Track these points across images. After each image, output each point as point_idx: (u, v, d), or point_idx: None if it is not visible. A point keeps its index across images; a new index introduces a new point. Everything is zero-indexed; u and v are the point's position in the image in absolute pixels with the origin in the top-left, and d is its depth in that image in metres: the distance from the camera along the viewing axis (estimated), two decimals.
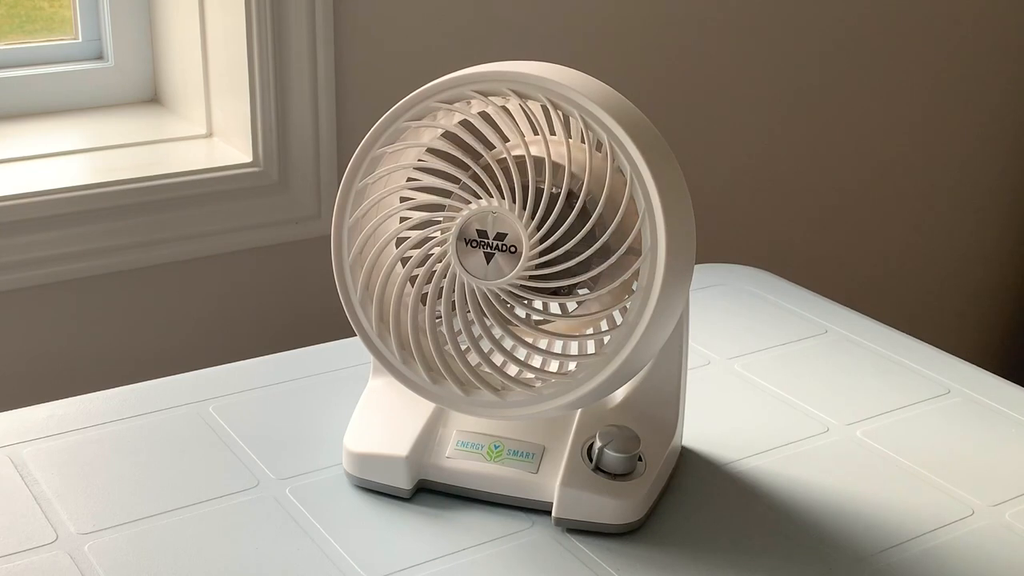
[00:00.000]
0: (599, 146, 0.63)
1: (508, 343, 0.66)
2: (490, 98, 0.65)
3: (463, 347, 0.67)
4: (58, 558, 0.65)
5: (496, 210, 0.63)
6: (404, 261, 0.67)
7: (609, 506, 0.68)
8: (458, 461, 0.71)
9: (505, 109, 0.66)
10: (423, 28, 1.16)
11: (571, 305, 0.68)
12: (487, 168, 0.64)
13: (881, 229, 1.62)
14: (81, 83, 1.19)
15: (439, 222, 0.65)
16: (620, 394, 0.73)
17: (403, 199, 0.67)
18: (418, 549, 0.67)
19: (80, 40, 1.20)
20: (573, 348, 0.68)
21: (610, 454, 0.68)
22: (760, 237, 1.50)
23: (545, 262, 0.63)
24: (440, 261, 0.65)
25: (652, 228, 0.62)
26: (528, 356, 0.68)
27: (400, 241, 0.67)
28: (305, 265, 1.17)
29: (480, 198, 0.64)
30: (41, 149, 1.11)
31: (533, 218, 0.63)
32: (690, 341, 0.81)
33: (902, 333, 0.95)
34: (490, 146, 0.65)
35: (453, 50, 1.19)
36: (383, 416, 0.73)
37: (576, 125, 0.63)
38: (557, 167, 0.64)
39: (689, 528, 0.70)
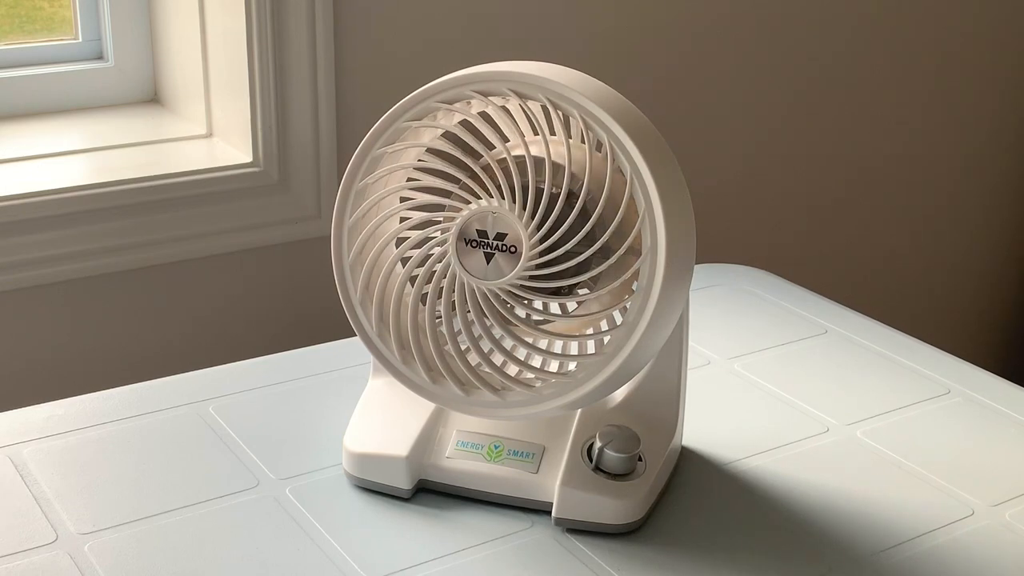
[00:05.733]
0: (599, 146, 0.63)
1: (508, 343, 0.66)
2: (490, 98, 0.65)
3: (463, 347, 0.67)
4: (58, 558, 0.65)
5: (496, 210, 0.63)
6: (404, 261, 0.67)
7: (609, 506, 0.68)
8: (458, 461, 0.71)
9: (505, 109, 0.66)
10: (423, 28, 1.16)
11: (571, 305, 0.68)
12: (487, 168, 0.64)
13: (881, 229, 1.62)
14: (81, 83, 1.19)
15: (439, 222, 0.65)
16: (620, 394, 0.73)
17: (403, 199, 0.67)
18: (418, 549, 0.67)
19: (80, 40, 1.20)
20: (573, 348, 0.68)
21: (610, 454, 0.68)
22: (760, 237, 1.50)
23: (545, 262, 0.63)
24: (440, 261, 0.65)
25: (652, 228, 0.62)
26: (528, 356, 0.68)
27: (400, 241, 0.67)
28: (305, 265, 1.17)
29: (480, 198, 0.64)
30: (41, 149, 1.11)
31: (533, 218, 0.63)
32: (690, 341, 0.81)
33: (902, 333, 0.95)
34: (490, 146, 0.65)
35: (453, 50, 1.19)
36: (383, 416, 0.73)
37: (576, 125, 0.63)
38: (557, 167, 0.64)
39: (689, 528, 0.70)
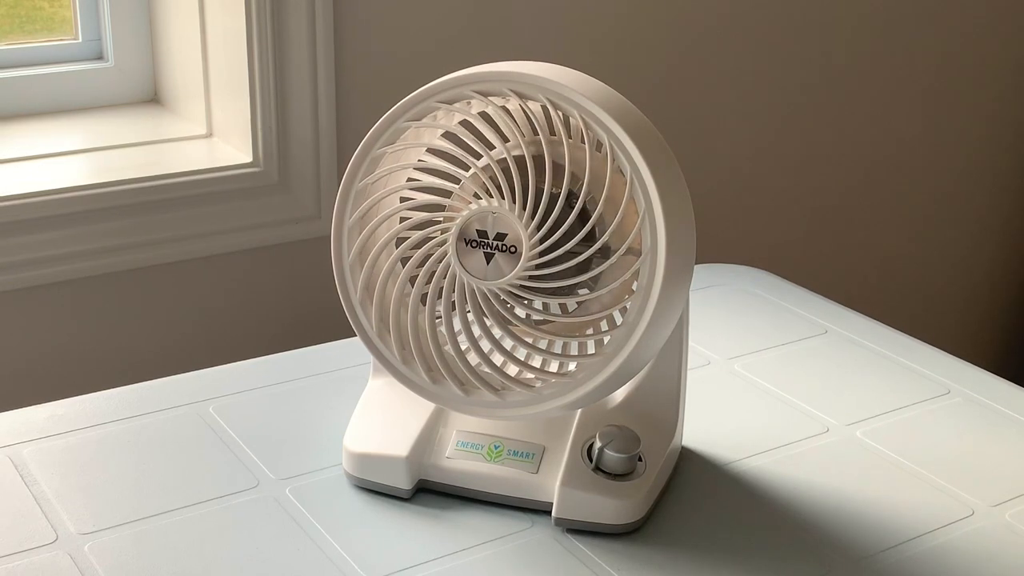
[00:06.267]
0: (599, 146, 0.63)
1: (508, 343, 0.66)
2: (490, 98, 0.65)
3: (463, 347, 0.67)
4: (58, 558, 0.65)
5: (496, 210, 0.63)
6: (404, 261, 0.67)
7: (609, 506, 0.68)
8: (458, 461, 0.71)
9: (505, 109, 0.66)
10: (423, 28, 1.16)
11: (571, 305, 0.68)
12: (487, 168, 0.64)
13: (881, 229, 1.62)
14: (81, 83, 1.19)
15: (439, 222, 0.65)
16: (620, 394, 0.73)
17: (403, 199, 0.67)
18: (418, 549, 0.67)
19: (80, 40, 1.20)
20: (573, 348, 0.68)
21: (610, 454, 0.68)
22: (760, 237, 1.50)
23: (545, 262, 0.63)
24: (440, 261, 0.65)
25: (652, 228, 0.62)
26: (528, 356, 0.68)
27: (400, 241, 0.67)
28: (305, 265, 1.17)
29: (480, 198, 0.64)
30: (41, 149, 1.11)
31: (533, 218, 0.63)
32: (690, 341, 0.81)
33: (902, 333, 0.95)
34: (490, 146, 0.65)
35: (453, 50, 1.19)
36: (383, 416, 0.73)
37: (576, 125, 0.63)
38: (557, 167, 0.64)
39: (689, 528, 0.70)
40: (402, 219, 0.67)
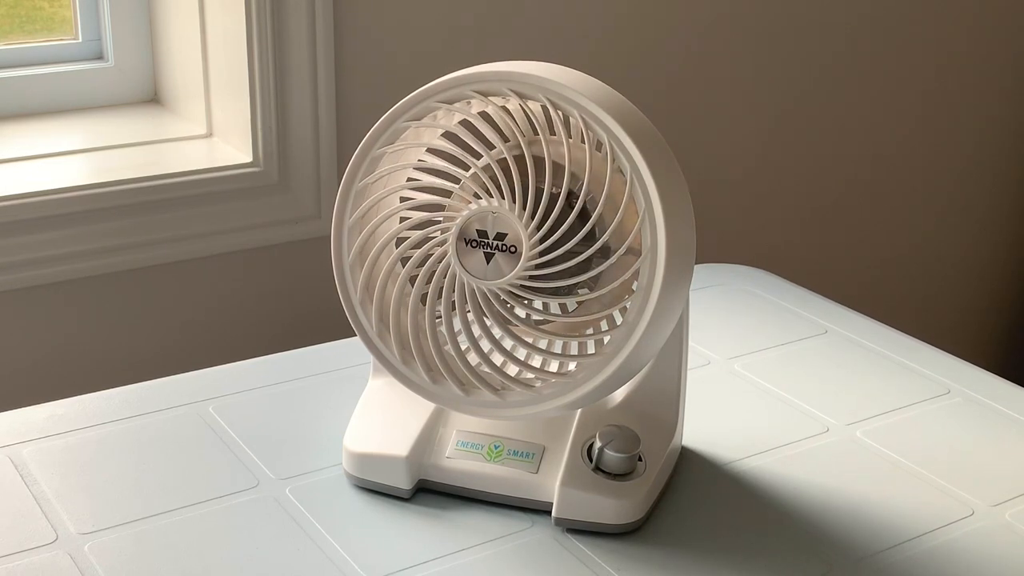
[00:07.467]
0: (599, 146, 0.63)
1: (508, 343, 0.66)
2: (490, 98, 0.65)
3: (463, 347, 0.67)
4: (58, 558, 0.65)
5: (496, 210, 0.63)
6: (404, 261, 0.67)
7: (609, 506, 0.68)
8: (458, 461, 0.71)
9: (505, 109, 0.66)
10: (423, 28, 1.16)
11: (571, 305, 0.68)
12: (487, 168, 0.64)
13: (881, 229, 1.62)
14: (81, 83, 1.19)
15: (439, 222, 0.65)
16: (620, 394, 0.73)
17: (403, 199, 0.67)
18: (418, 549, 0.67)
19: (80, 40, 1.20)
20: (573, 348, 0.68)
21: (610, 454, 0.68)
22: (760, 237, 1.50)
23: (545, 262, 0.63)
24: (440, 261, 0.65)
25: (652, 228, 0.62)
26: (528, 356, 0.68)
27: (400, 241, 0.67)
28: (305, 265, 1.17)
29: (480, 198, 0.64)
30: (41, 149, 1.11)
31: (533, 218, 0.63)
32: (690, 341, 0.81)
33: (902, 333, 0.95)
34: (490, 146, 0.65)
35: (453, 50, 1.19)
36: (383, 416, 0.73)
37: (576, 125, 0.63)
38: (557, 167, 0.64)
39: (689, 528, 0.70)
40: (402, 219, 0.67)
